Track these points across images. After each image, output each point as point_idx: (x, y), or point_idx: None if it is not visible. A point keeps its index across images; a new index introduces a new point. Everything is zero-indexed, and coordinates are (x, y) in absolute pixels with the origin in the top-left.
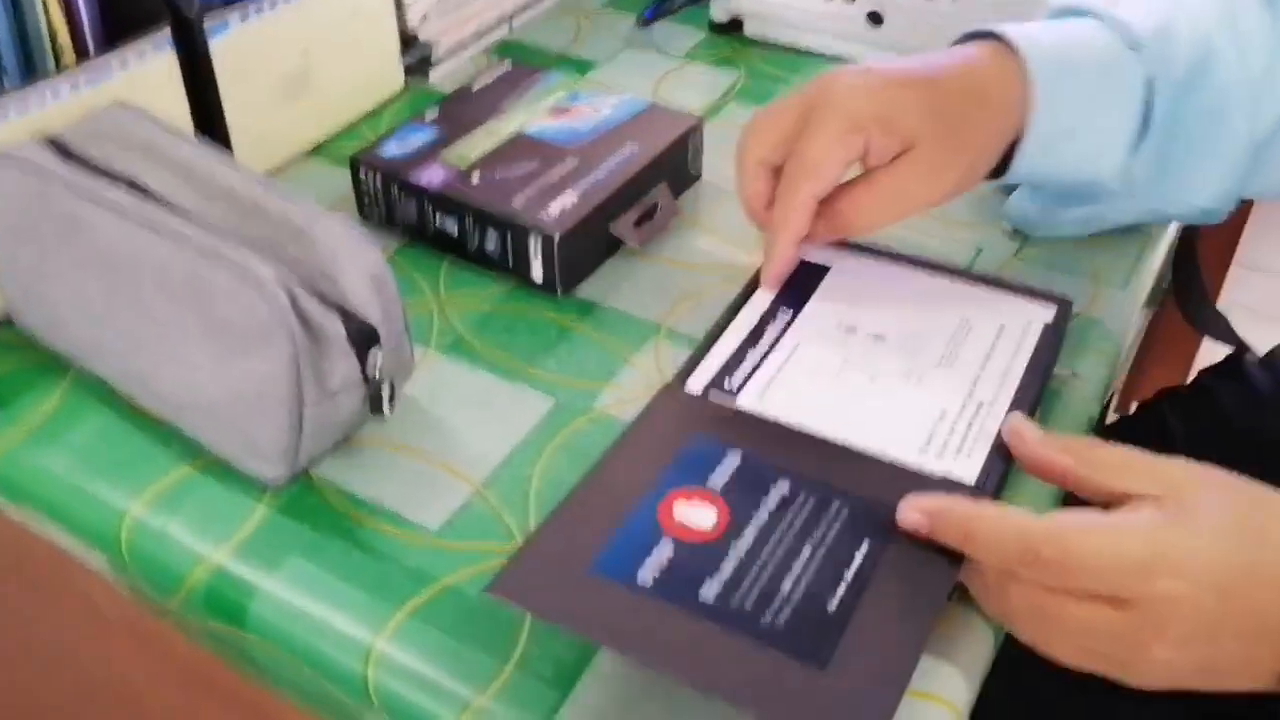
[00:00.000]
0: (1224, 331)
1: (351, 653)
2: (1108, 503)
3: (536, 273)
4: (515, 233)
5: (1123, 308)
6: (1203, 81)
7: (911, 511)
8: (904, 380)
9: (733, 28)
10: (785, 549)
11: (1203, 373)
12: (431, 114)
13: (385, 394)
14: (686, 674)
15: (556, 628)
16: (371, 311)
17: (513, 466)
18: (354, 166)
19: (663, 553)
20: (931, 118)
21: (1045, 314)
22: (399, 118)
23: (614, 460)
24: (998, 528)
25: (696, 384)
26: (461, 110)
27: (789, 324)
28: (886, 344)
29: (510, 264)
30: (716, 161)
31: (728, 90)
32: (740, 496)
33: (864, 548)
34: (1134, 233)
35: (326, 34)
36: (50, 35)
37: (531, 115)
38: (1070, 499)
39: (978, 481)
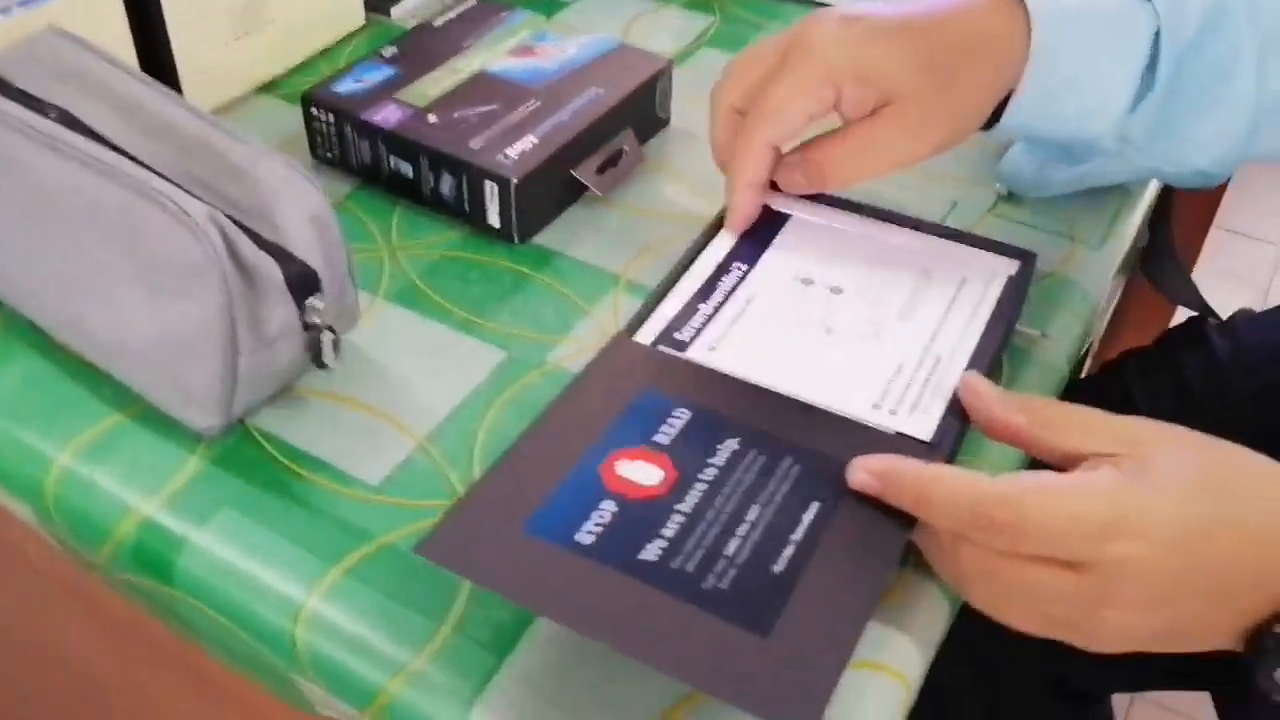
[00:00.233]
0: (1188, 295)
1: (281, 611)
2: (1065, 464)
3: (493, 219)
4: (471, 176)
5: (1097, 268)
6: (1212, 38)
7: (861, 472)
8: (861, 334)
9: None
10: (732, 509)
11: (1165, 335)
12: (390, 51)
13: (327, 343)
14: (621, 641)
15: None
16: (312, 256)
17: (459, 421)
18: (306, 104)
19: (604, 512)
20: (916, 72)
21: (1009, 268)
22: (359, 54)
23: (557, 414)
24: (949, 490)
25: (646, 336)
26: (422, 47)
27: (745, 275)
28: (844, 297)
29: (466, 209)
30: (686, 107)
31: (701, 35)
32: (688, 453)
33: (813, 508)
34: (1113, 192)
35: None
36: None
37: (495, 54)
38: (1035, 461)
39: (933, 439)
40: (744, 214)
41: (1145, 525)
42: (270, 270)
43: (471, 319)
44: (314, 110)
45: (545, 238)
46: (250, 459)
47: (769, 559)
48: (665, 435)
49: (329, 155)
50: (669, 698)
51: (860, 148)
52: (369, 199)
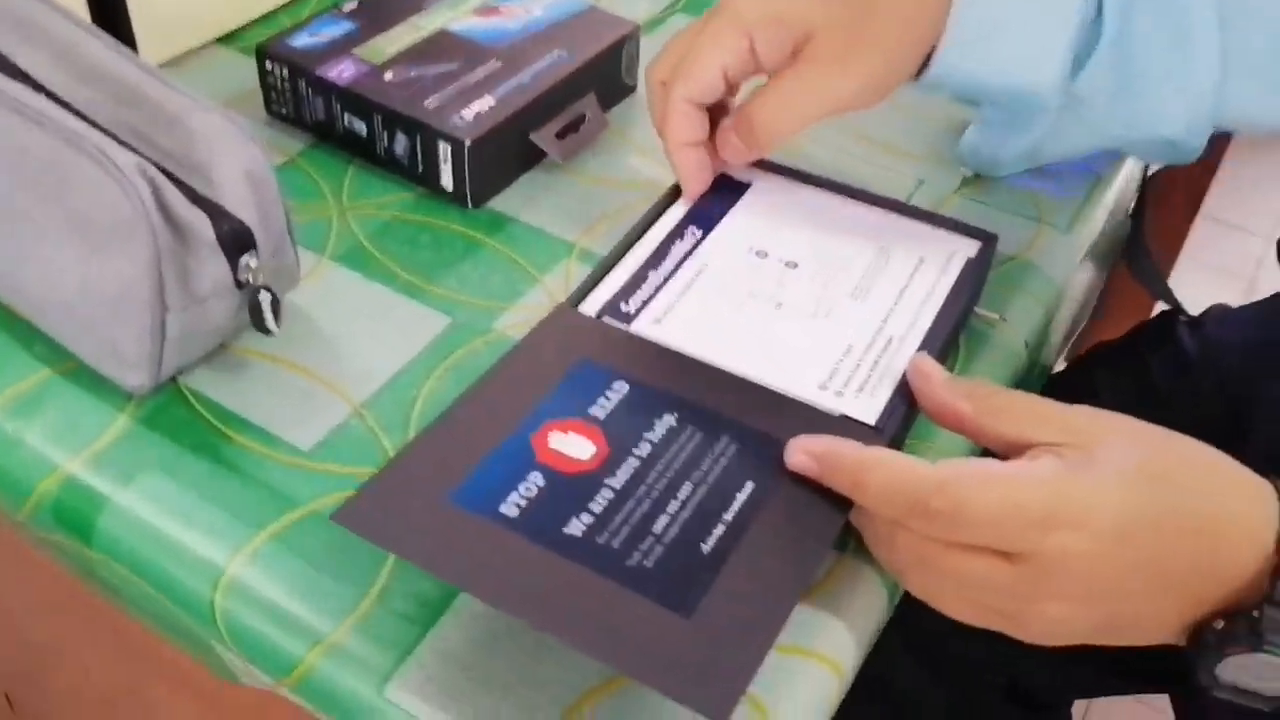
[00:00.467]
0: (1159, 288)
1: (200, 576)
2: (1009, 452)
3: (446, 181)
4: (425, 137)
5: (1064, 252)
6: None
7: (799, 454)
8: (812, 311)
9: None
10: (664, 486)
11: (1134, 330)
12: (350, 5)
13: (265, 303)
14: (536, 616)
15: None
16: (247, 212)
17: (397, 387)
18: (260, 58)
19: (532, 484)
20: (826, 4)
21: (969, 249)
22: (324, 7)
23: (492, 383)
24: (887, 476)
25: (591, 306)
26: (384, 3)
27: (699, 241)
28: (798, 271)
29: (420, 170)
30: None
31: (674, 1)
32: (623, 428)
33: (748, 488)
34: (1084, 175)
35: None
36: None
37: (458, 12)
38: (987, 450)
39: (878, 423)
40: (688, 174)
41: (1085, 516)
42: (202, 226)
43: (418, 283)
44: (268, 64)
45: (500, 203)
46: (180, 419)
47: (698, 538)
48: (602, 408)
49: (283, 111)
50: (594, 676)
51: (787, 93)
52: (322, 157)
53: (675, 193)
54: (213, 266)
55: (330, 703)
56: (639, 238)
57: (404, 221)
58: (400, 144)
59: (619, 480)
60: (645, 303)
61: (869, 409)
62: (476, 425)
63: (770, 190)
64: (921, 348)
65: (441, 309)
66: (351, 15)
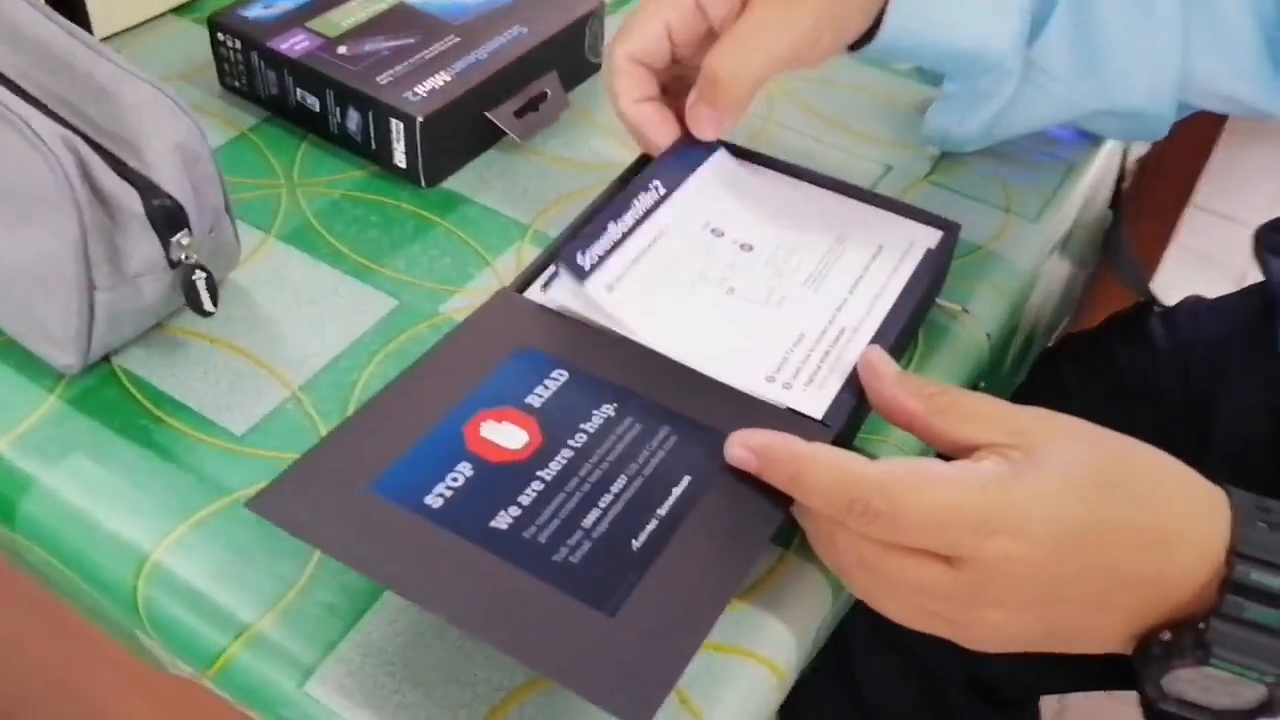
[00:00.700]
0: (1132, 279)
1: (123, 563)
2: (956, 453)
3: (399, 159)
4: (377, 113)
5: (1031, 243)
6: None
7: (739, 448)
8: (764, 298)
9: None
10: (597, 479)
11: (1105, 321)
12: None
13: (200, 283)
14: (453, 612)
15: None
16: (179, 188)
17: (337, 371)
18: (212, 28)
19: (459, 475)
20: None
21: (930, 238)
22: None
23: (427, 368)
24: (828, 473)
25: (536, 290)
26: None
27: (662, 199)
28: (752, 255)
29: (373, 148)
30: None
31: None
32: (559, 417)
33: (685, 482)
34: (1056, 163)
35: None
36: None
37: None
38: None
39: (824, 417)
40: (646, 126)
41: (1024, 523)
42: (130, 201)
43: (365, 264)
44: (220, 36)
45: (455, 182)
46: (111, 400)
47: (628, 534)
48: (539, 397)
49: (236, 85)
50: (522, 675)
51: (742, 37)
52: (275, 132)
53: (636, 168)
54: (143, 244)
55: (252, 696)
56: (587, 222)
57: (354, 200)
58: (353, 120)
59: (550, 472)
60: (602, 259)
61: (817, 403)
62: (406, 412)
63: (733, 167)
64: (875, 340)
65: (388, 291)
66: None
